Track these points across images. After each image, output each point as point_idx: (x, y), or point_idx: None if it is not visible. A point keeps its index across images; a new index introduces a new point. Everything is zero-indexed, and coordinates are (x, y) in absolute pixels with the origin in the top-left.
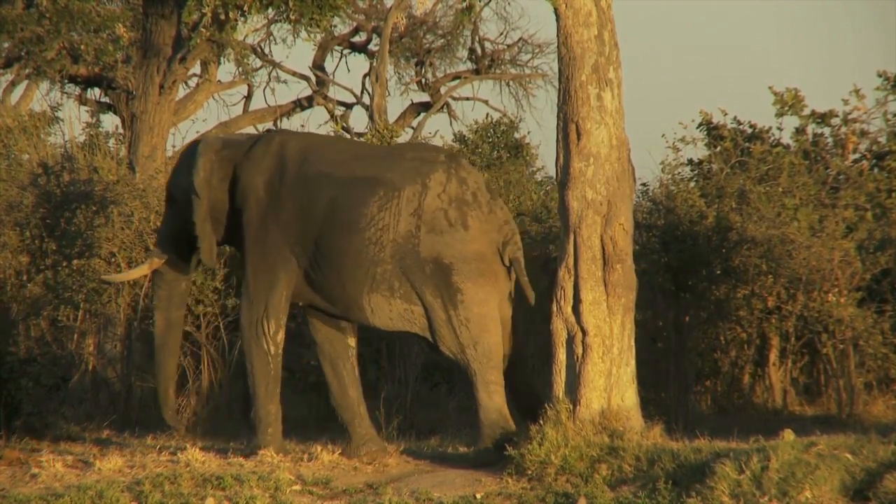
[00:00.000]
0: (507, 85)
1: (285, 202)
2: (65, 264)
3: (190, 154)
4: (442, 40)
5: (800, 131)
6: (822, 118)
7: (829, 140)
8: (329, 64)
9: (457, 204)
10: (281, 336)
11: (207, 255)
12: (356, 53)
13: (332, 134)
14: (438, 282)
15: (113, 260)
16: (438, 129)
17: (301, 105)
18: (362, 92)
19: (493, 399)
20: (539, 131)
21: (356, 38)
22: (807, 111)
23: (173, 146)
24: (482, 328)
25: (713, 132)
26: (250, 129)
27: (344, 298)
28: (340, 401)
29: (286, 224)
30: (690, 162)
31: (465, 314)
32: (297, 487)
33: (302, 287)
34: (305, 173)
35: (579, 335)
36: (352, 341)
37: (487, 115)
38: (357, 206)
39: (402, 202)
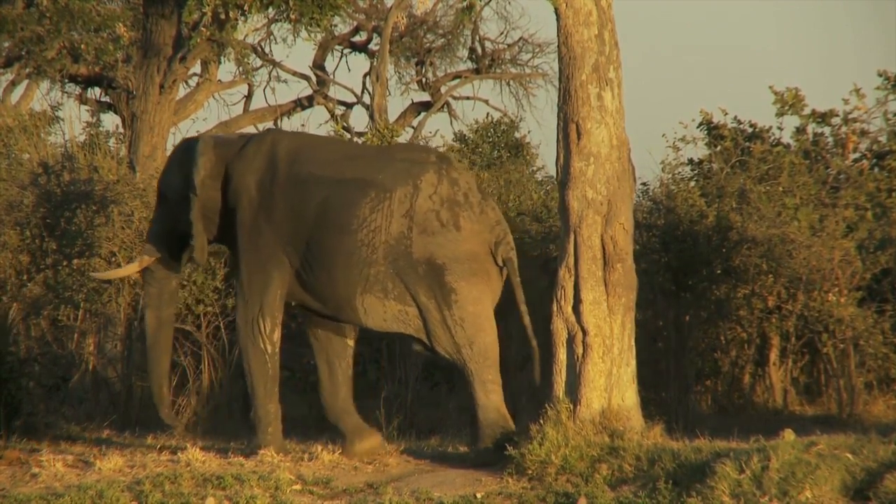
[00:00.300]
0: (508, 84)
1: (277, 202)
2: (65, 264)
3: (183, 153)
4: (442, 40)
5: (800, 131)
6: (823, 118)
7: (830, 140)
8: (329, 63)
9: (448, 205)
10: (277, 335)
11: (200, 252)
12: (356, 53)
13: (325, 134)
14: (432, 282)
15: (113, 259)
16: (439, 129)
17: (301, 105)
18: (363, 91)
19: (490, 398)
20: (539, 131)
21: (356, 38)
22: (807, 111)
23: (173, 146)
24: (477, 327)
25: (713, 132)
26: (251, 129)
27: (336, 299)
28: (329, 400)
29: (278, 224)
30: (691, 161)
31: (460, 313)
32: (298, 487)
33: (294, 287)
34: (297, 174)
35: (580, 335)
36: (351, 341)
37: (488, 114)
38: (348, 208)
39: (393, 203)
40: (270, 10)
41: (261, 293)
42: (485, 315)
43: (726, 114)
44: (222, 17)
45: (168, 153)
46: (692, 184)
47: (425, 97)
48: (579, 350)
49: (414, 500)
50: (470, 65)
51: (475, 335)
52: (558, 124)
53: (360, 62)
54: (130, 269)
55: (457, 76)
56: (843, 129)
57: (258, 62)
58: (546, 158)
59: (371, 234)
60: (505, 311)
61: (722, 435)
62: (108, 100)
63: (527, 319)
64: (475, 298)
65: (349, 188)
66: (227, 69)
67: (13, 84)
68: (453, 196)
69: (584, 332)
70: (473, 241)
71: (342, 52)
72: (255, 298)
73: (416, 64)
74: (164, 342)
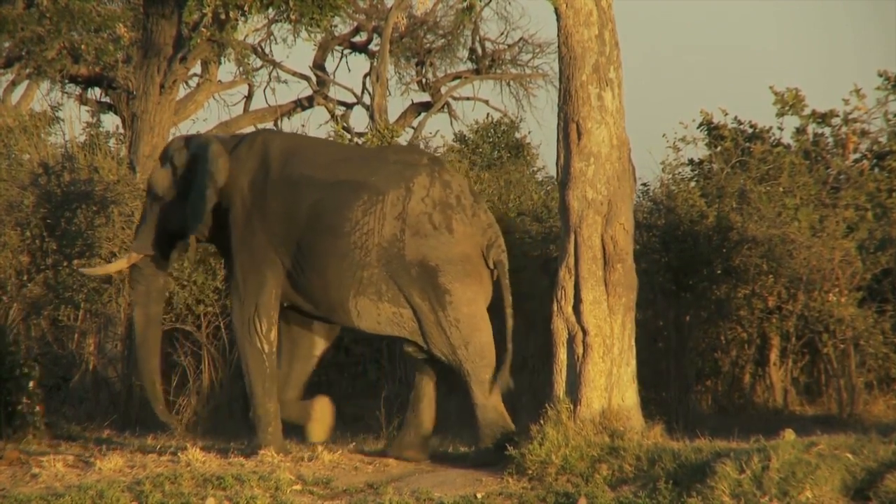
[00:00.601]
0: (508, 85)
1: (270, 203)
2: (65, 264)
3: (178, 151)
4: (442, 40)
5: (800, 131)
6: (823, 118)
7: (830, 140)
8: (329, 64)
9: (441, 207)
10: (274, 334)
11: (193, 251)
12: (357, 53)
13: (324, 135)
14: (425, 284)
15: (113, 260)
16: (439, 129)
17: (301, 105)
18: (363, 92)
19: (488, 398)
20: (539, 131)
21: (357, 38)
22: (807, 111)
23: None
24: (472, 327)
25: (714, 132)
26: (251, 129)
27: (328, 301)
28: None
29: (271, 225)
30: (691, 162)
31: (455, 315)
32: (298, 487)
33: (286, 288)
34: (289, 175)
35: (580, 335)
36: (317, 351)
37: (488, 115)
38: (341, 210)
39: (386, 206)
40: (270, 10)
41: (256, 293)
42: (479, 315)
43: (726, 114)
44: (222, 17)
45: None
46: (692, 184)
47: (425, 97)
48: (579, 350)
49: (414, 500)
50: (470, 65)
51: (471, 335)
52: (558, 124)
53: (361, 62)
54: (119, 265)
55: (457, 76)
56: (844, 129)
57: (258, 62)
58: (546, 159)
59: (364, 236)
60: (504, 312)
61: (722, 435)
62: (109, 100)
63: (510, 323)
64: (469, 299)
65: (342, 190)
66: (227, 69)
67: (13, 84)
68: (445, 199)
69: (585, 332)
70: (466, 244)
71: (342, 53)
72: (251, 299)
73: (417, 64)
74: (152, 340)
